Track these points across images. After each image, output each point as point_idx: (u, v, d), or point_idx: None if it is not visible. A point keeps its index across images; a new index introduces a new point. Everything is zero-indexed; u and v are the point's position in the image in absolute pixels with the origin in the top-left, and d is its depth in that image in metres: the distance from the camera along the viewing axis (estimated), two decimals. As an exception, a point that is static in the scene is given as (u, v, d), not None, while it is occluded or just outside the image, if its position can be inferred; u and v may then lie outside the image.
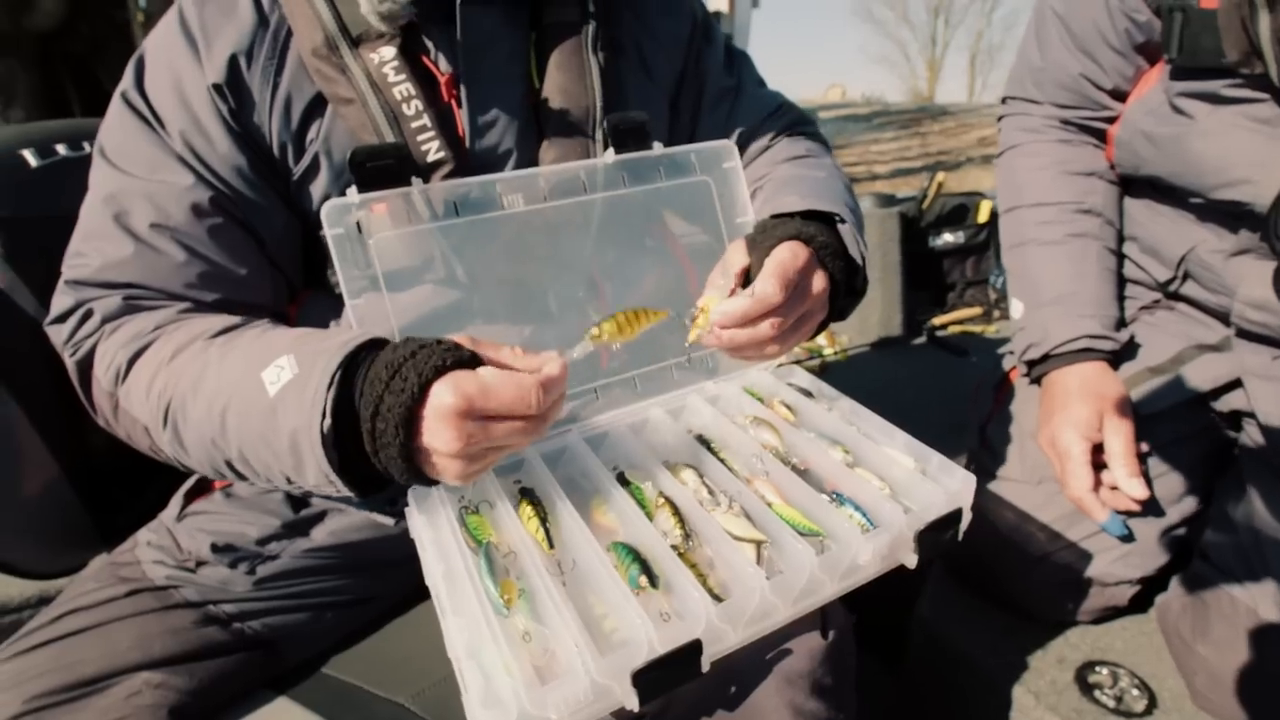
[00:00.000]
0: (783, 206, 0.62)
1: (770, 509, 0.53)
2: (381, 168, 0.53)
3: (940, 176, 1.82)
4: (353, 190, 0.53)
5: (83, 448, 0.71)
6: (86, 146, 0.75)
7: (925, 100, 28.28)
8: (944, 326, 1.84)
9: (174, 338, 0.54)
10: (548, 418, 0.44)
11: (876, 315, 1.78)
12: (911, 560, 0.53)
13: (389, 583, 0.71)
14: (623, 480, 0.57)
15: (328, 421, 0.42)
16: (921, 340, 1.79)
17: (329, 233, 0.53)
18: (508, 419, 0.42)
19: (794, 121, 0.79)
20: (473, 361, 0.43)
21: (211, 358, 0.51)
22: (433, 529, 0.53)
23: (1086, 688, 0.81)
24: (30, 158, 0.70)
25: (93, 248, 0.58)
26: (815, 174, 0.69)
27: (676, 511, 0.53)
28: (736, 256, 0.57)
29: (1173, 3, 0.71)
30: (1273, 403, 0.75)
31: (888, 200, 1.75)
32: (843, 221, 0.61)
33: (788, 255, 0.53)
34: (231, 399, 0.48)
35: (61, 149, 0.73)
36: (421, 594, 0.73)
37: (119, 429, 0.59)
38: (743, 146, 0.75)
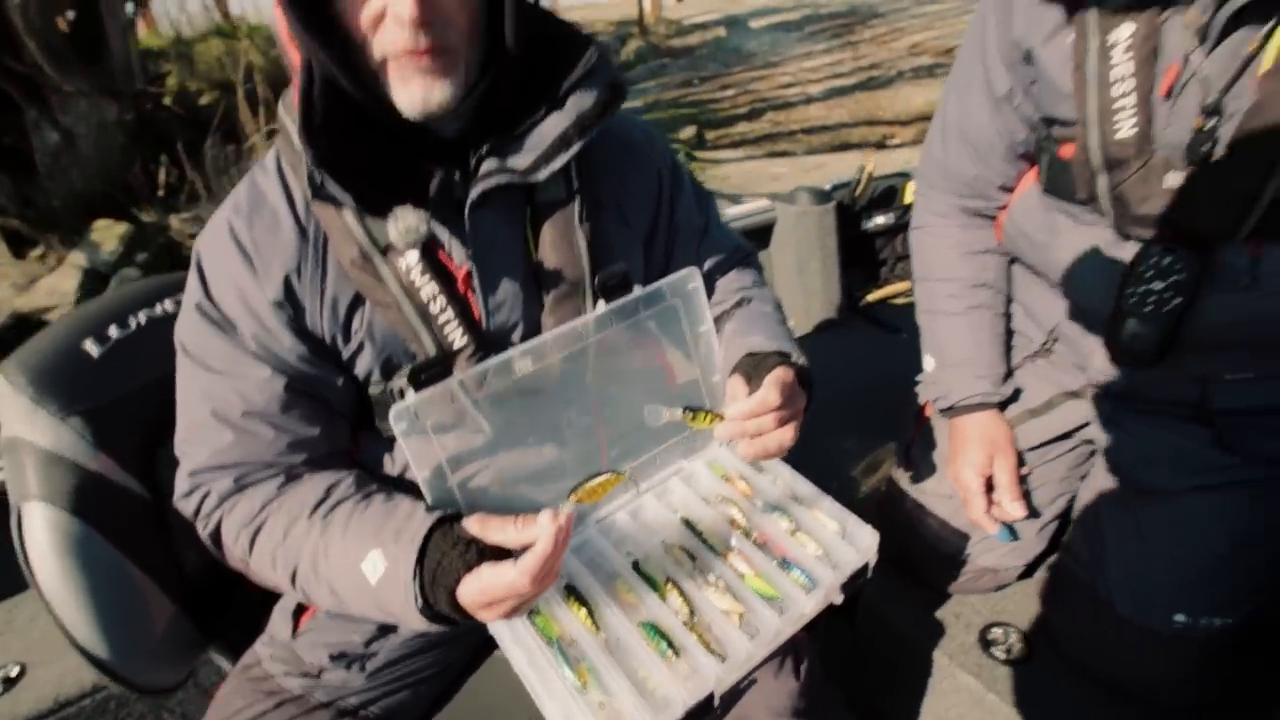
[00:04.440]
0: (756, 346, 0.80)
1: (743, 581, 0.74)
2: (431, 375, 0.69)
3: (870, 166, 1.98)
4: (410, 393, 0.69)
5: (184, 576, 0.87)
6: (132, 323, 0.87)
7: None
8: (879, 301, 2.05)
9: (279, 519, 0.71)
10: (546, 581, 0.60)
11: (819, 300, 1.98)
12: (839, 599, 0.75)
13: (460, 649, 0.91)
14: (636, 566, 0.77)
15: (419, 602, 0.61)
16: (856, 319, 2.01)
17: (398, 429, 0.68)
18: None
19: (744, 256, 0.97)
20: (482, 556, 0.61)
21: (315, 540, 0.69)
22: (510, 629, 0.72)
23: (986, 645, 1.08)
24: (91, 348, 0.82)
25: (200, 439, 0.73)
26: (764, 309, 0.88)
27: (682, 592, 0.73)
28: (738, 388, 0.75)
29: (1042, 143, 0.89)
30: (1109, 442, 1.00)
31: (824, 196, 1.91)
32: (799, 359, 0.79)
33: (782, 373, 0.73)
34: (345, 586, 0.67)
35: (114, 331, 0.85)
36: (484, 649, 0.94)
37: (251, 576, 0.76)
38: (706, 274, 0.91)
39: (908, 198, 2.08)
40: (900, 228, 2.10)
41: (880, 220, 2.06)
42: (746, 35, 11.60)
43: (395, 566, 0.63)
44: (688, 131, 6.71)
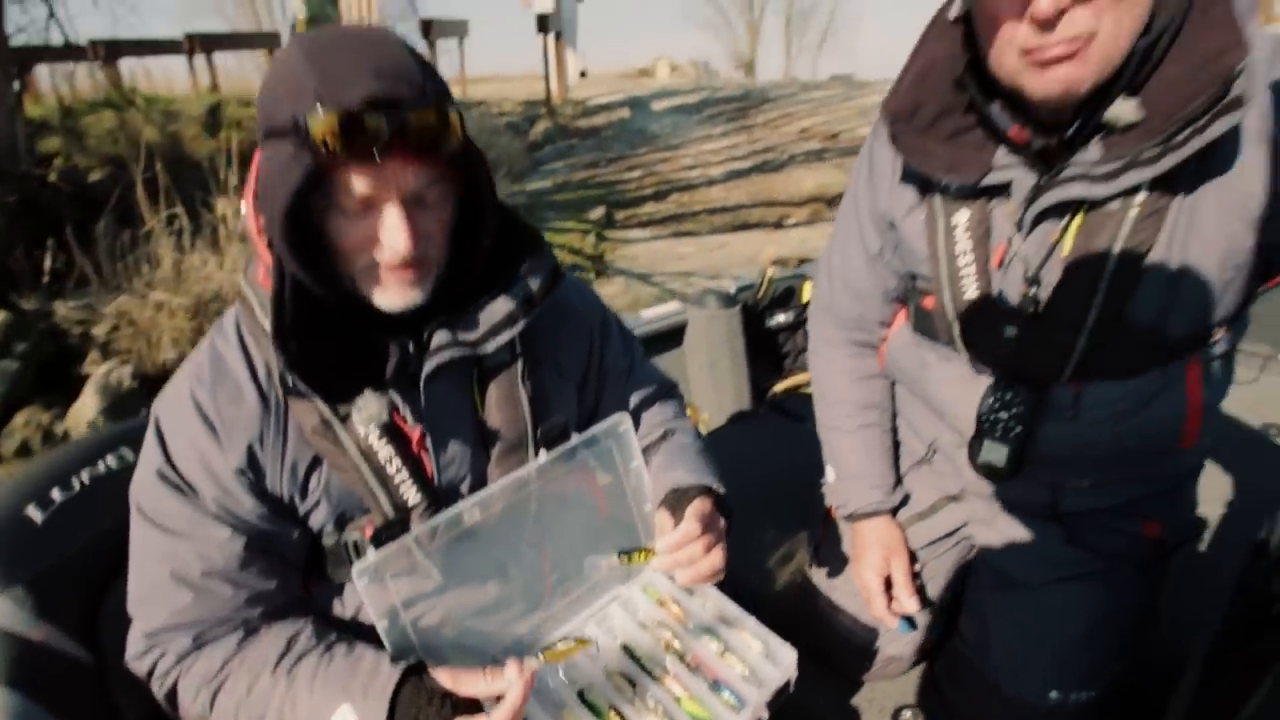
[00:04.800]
0: (679, 480, 0.90)
1: (679, 704, 0.82)
2: (389, 535, 0.75)
3: (770, 272, 2.18)
4: (371, 551, 0.74)
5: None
6: (75, 483, 0.87)
7: (748, 61, 29.92)
8: (783, 393, 2.23)
9: (241, 676, 0.73)
10: None
11: (730, 394, 2.14)
12: (765, 715, 0.83)
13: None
14: (581, 696, 0.83)
15: None
16: (764, 410, 2.17)
17: (360, 584, 0.73)
18: None
19: (666, 391, 1.08)
20: (456, 709, 0.66)
21: (281, 695, 0.71)
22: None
23: (898, 725, 1.19)
24: (34, 513, 0.82)
25: (158, 600, 0.75)
26: (684, 441, 0.99)
27: (624, 719, 0.80)
28: (665, 522, 0.85)
29: (909, 292, 1.06)
30: (984, 540, 1.16)
31: (730, 300, 2.09)
32: (718, 487, 0.90)
33: (700, 504, 0.83)
34: None
35: (56, 494, 0.85)
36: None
37: None
38: (634, 410, 1.02)
39: (805, 296, 2.29)
40: (800, 324, 2.30)
41: (781, 318, 2.25)
42: (650, 117, 12.27)
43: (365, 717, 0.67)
44: (597, 212, 6.99)
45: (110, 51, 8.39)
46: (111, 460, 0.92)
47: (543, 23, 10.90)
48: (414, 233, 0.69)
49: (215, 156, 4.75)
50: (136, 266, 4.15)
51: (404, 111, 0.63)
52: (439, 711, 0.66)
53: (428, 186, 0.70)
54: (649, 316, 2.10)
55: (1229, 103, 0.70)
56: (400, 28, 15.19)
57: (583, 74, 17.36)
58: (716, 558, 0.83)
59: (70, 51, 7.97)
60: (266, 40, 11.59)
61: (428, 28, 11.88)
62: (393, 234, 0.68)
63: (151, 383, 3.77)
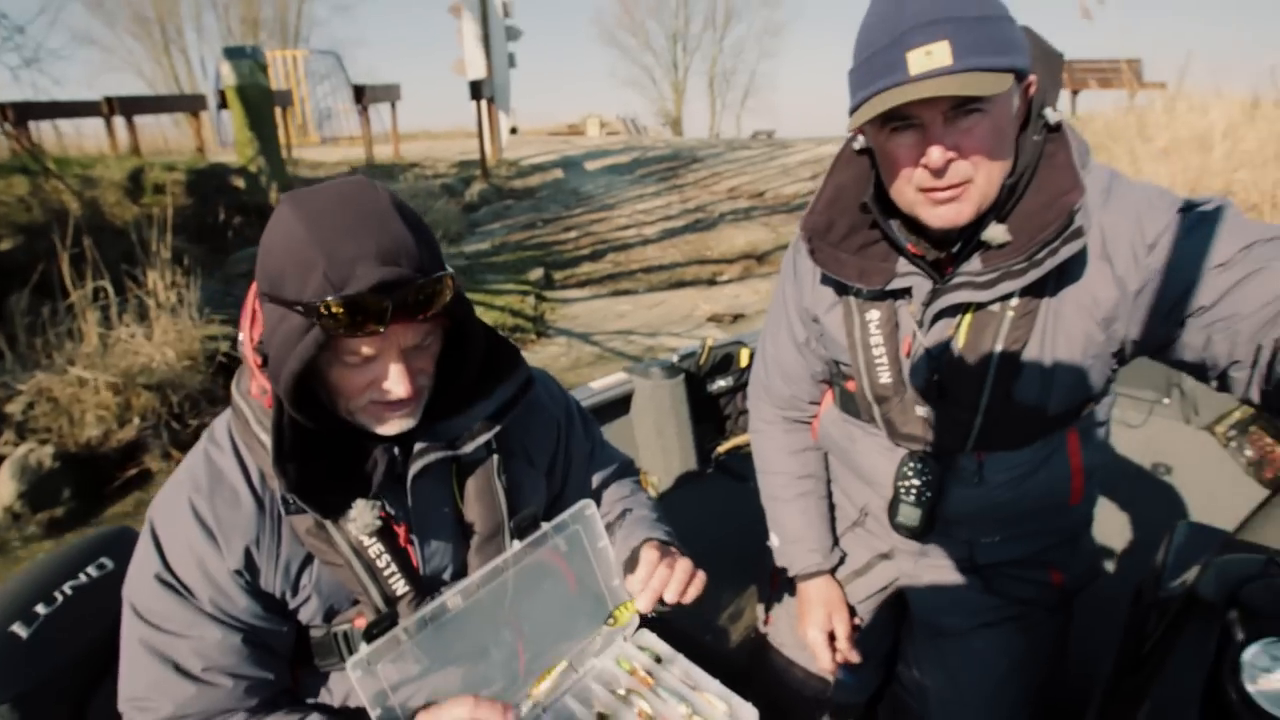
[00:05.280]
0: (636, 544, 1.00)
1: (653, 769, 0.89)
2: (380, 629, 0.81)
3: (709, 341, 2.33)
4: (364, 647, 0.80)
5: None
6: (58, 596, 0.90)
7: (675, 119, 31.14)
8: (727, 452, 2.36)
9: None
10: None
11: (677, 458, 2.25)
12: (731, 772, 0.92)
13: None
14: (562, 769, 0.90)
15: None
16: (711, 470, 2.29)
17: (354, 675, 0.79)
18: None
19: (624, 469, 1.18)
20: None
21: None
22: None
23: (845, 769, 1.28)
24: (20, 630, 0.85)
25: (162, 693, 0.79)
26: (642, 514, 1.09)
27: (603, 790, 0.87)
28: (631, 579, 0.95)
29: (833, 376, 1.21)
30: (914, 593, 1.29)
31: (673, 370, 2.22)
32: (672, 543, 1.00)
33: (648, 545, 0.96)
34: None
35: (40, 609, 0.87)
36: None
37: None
38: (596, 489, 1.11)
39: (743, 362, 2.44)
40: (740, 387, 2.45)
41: (722, 383, 2.39)
42: (583, 177, 12.61)
43: None
44: (536, 273, 7.11)
45: (20, 113, 8.10)
46: (92, 569, 0.94)
47: (476, 89, 11.15)
48: (411, 377, 0.78)
49: (141, 225, 4.65)
50: (57, 341, 3.99)
51: (405, 291, 0.73)
52: None
53: (423, 338, 0.80)
54: (598, 387, 2.20)
55: (1073, 232, 0.88)
56: (324, 85, 15.25)
57: (513, 130, 17.70)
58: (683, 568, 0.94)
59: (-23, 113, 7.66)
60: (189, 103, 11.43)
61: (360, 93, 11.99)
62: (395, 384, 0.78)
63: (75, 463, 3.59)
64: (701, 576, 0.95)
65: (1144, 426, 2.52)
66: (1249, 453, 2.30)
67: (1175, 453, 2.36)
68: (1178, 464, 2.31)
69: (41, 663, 0.85)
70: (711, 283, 6.94)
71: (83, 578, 0.93)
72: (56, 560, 0.94)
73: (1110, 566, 2.04)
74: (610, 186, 11.71)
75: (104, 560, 0.95)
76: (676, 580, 0.92)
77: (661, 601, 0.93)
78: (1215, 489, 2.20)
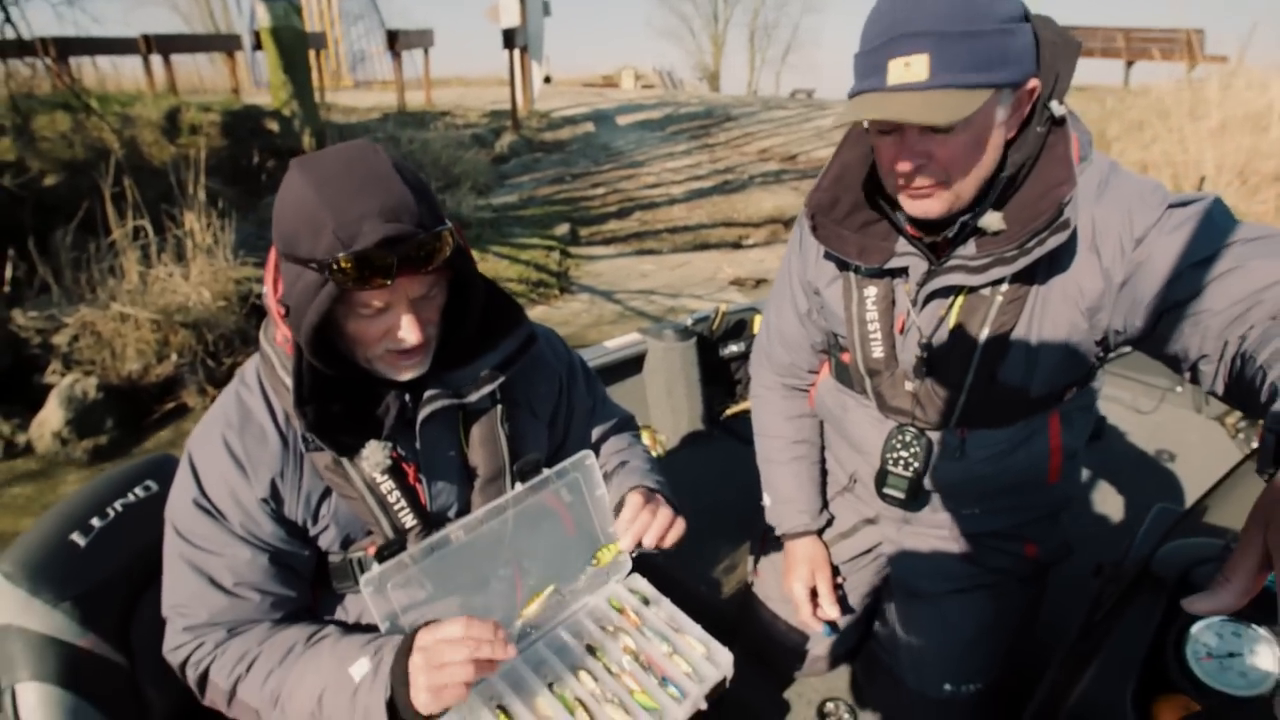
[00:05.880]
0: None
1: (632, 696, 0.98)
2: (390, 552, 0.90)
3: (723, 307, 2.38)
4: (375, 567, 0.89)
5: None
6: (110, 512, 1.01)
7: (712, 73, 30.36)
8: (734, 416, 2.43)
9: (274, 650, 0.89)
10: (493, 661, 0.81)
11: (685, 417, 2.32)
12: (704, 706, 1.01)
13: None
14: (552, 688, 1.00)
15: (387, 694, 0.81)
16: (718, 431, 2.37)
17: (366, 592, 0.88)
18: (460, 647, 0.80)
19: (624, 423, 1.25)
20: None
21: (307, 660, 0.87)
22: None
23: (822, 717, 1.38)
24: (78, 539, 0.96)
25: (198, 603, 0.89)
26: (638, 465, 1.16)
27: (586, 708, 0.97)
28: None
29: (830, 348, 1.26)
30: (895, 557, 1.36)
31: (686, 332, 2.28)
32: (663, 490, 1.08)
33: (635, 491, 1.03)
34: (328, 686, 0.84)
35: (95, 521, 0.98)
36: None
37: (227, 709, 0.91)
38: (596, 441, 1.18)
39: (756, 328, 2.49)
40: (750, 353, 2.51)
41: (734, 348, 2.45)
42: (614, 132, 12.49)
43: (378, 667, 0.82)
44: (562, 228, 7.14)
45: (61, 49, 8.21)
46: (139, 490, 1.05)
47: (509, 37, 11.01)
48: (420, 326, 0.85)
49: (179, 165, 4.76)
50: (100, 277, 4.15)
51: (408, 245, 0.80)
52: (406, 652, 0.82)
53: (429, 289, 0.87)
54: (612, 346, 2.27)
55: (1060, 223, 0.91)
56: (358, 26, 15.13)
57: (547, 79, 17.44)
58: (664, 515, 1.01)
59: (21, 48, 7.78)
60: (224, 42, 11.46)
61: (393, 38, 11.90)
62: (407, 332, 0.85)
63: (117, 395, 3.78)
64: (681, 523, 1.02)
65: (1155, 413, 2.54)
66: (1256, 445, 2.31)
67: (1183, 441, 2.38)
68: (1184, 452, 2.34)
69: (96, 568, 0.96)
70: (737, 246, 6.92)
71: (131, 497, 1.03)
72: (108, 481, 1.04)
73: (1101, 545, 2.09)
74: (640, 143, 11.59)
75: (149, 483, 1.06)
76: (657, 525, 1.00)
77: (643, 546, 1.01)
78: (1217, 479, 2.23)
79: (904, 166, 0.94)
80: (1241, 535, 0.51)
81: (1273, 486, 0.50)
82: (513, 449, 1.04)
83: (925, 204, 0.97)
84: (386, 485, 0.94)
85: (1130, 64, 13.15)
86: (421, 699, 0.79)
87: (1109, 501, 2.14)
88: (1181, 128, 6.63)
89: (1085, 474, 2.27)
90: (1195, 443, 2.37)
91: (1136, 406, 2.57)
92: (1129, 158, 7.14)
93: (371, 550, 0.95)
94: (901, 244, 1.08)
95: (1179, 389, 2.54)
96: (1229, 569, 0.51)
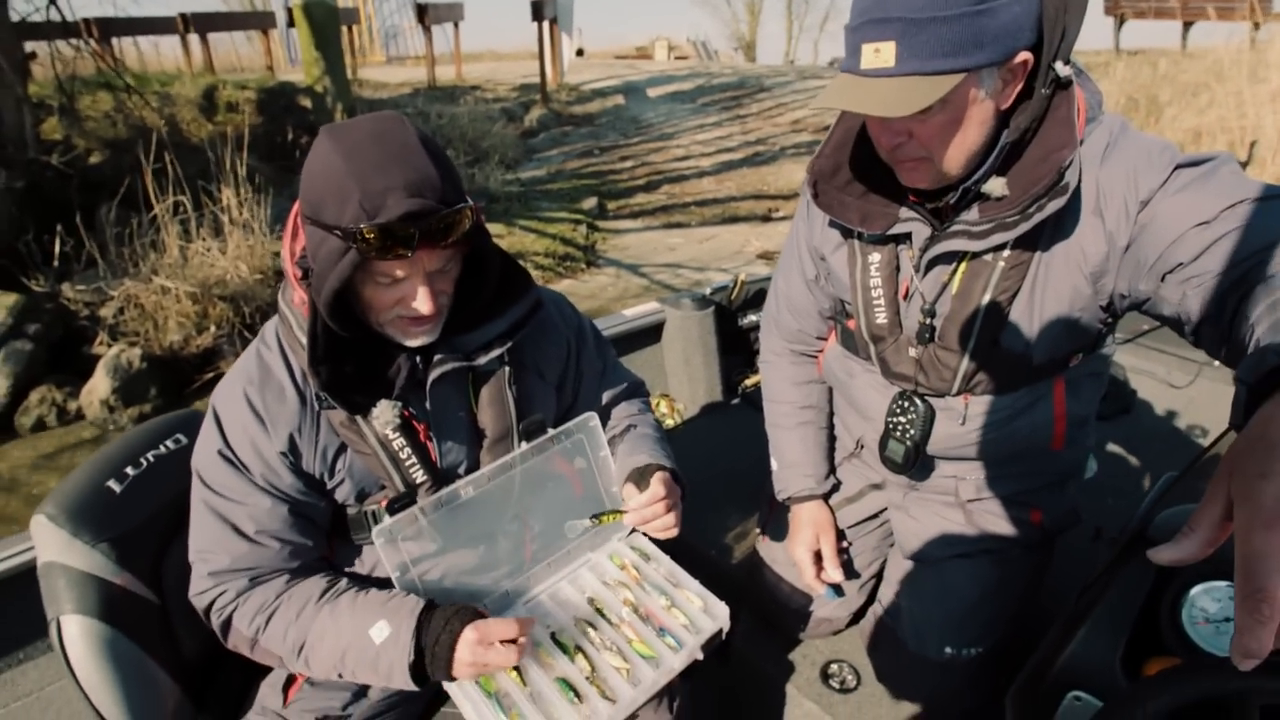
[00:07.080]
0: (640, 462, 1.10)
1: (630, 645, 1.03)
2: (401, 505, 0.95)
3: (742, 277, 2.38)
4: (386, 517, 0.94)
5: (182, 662, 1.07)
6: (143, 461, 1.08)
7: (748, 42, 29.71)
8: (754, 385, 2.44)
9: (291, 604, 0.95)
10: (521, 646, 0.89)
11: (703, 387, 2.35)
12: (700, 656, 1.04)
13: (419, 705, 1.15)
14: (554, 636, 1.04)
15: (411, 657, 0.87)
16: (737, 400, 2.38)
17: (379, 542, 0.93)
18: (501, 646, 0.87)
19: (633, 389, 1.28)
20: (475, 615, 0.88)
21: (325, 618, 0.93)
22: (460, 687, 0.96)
23: (825, 678, 1.41)
24: (114, 485, 1.03)
25: (221, 549, 0.95)
26: (645, 432, 1.19)
27: (586, 655, 1.01)
28: (630, 491, 1.06)
29: (837, 314, 1.26)
30: (899, 522, 1.37)
31: (705, 301, 2.29)
32: (673, 466, 1.10)
33: (663, 475, 1.05)
34: (350, 646, 0.90)
35: (130, 470, 1.05)
36: (436, 705, 1.17)
37: (249, 654, 0.98)
38: (605, 406, 1.22)
39: (774, 300, 2.49)
40: (768, 323, 2.51)
41: (752, 318, 2.45)
42: (644, 104, 12.36)
43: (398, 632, 0.88)
44: (589, 202, 7.14)
45: (103, 29, 8.41)
46: (170, 443, 1.12)
47: (537, 9, 10.92)
48: (433, 297, 0.89)
49: (216, 143, 4.89)
50: (142, 251, 4.30)
51: (430, 220, 0.83)
52: (460, 616, 0.88)
53: (445, 262, 0.90)
54: (631, 314, 2.29)
55: (1060, 187, 0.90)
56: (391, 1, 15.12)
57: (579, 52, 17.27)
58: (672, 517, 1.05)
59: (66, 29, 8.00)
60: (259, 20, 11.60)
61: (423, 12, 11.91)
62: (421, 303, 0.89)
63: (159, 364, 3.94)
64: (676, 526, 1.06)
65: (1189, 388, 2.49)
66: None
67: (1217, 417, 2.33)
68: (1217, 428, 2.28)
69: (131, 513, 1.03)
70: (766, 219, 6.85)
71: (162, 449, 1.10)
72: (141, 434, 1.11)
73: (1122, 519, 2.06)
74: (671, 115, 11.46)
75: (179, 435, 1.12)
76: (662, 522, 1.04)
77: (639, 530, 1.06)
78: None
79: (885, 144, 0.96)
80: (1209, 485, 0.52)
81: (1240, 436, 0.50)
82: (520, 410, 1.08)
83: (913, 176, 0.99)
84: (398, 442, 0.99)
85: (1188, 25, 12.52)
86: (464, 672, 0.89)
87: (1132, 475, 2.12)
88: (1240, 91, 6.33)
89: (1112, 448, 2.24)
90: (1227, 419, 2.31)
91: (1170, 381, 2.51)
92: (1182, 123, 6.85)
93: (385, 504, 1.00)
94: (904, 210, 1.08)
95: (1215, 364, 2.47)
96: (1194, 519, 0.52)
